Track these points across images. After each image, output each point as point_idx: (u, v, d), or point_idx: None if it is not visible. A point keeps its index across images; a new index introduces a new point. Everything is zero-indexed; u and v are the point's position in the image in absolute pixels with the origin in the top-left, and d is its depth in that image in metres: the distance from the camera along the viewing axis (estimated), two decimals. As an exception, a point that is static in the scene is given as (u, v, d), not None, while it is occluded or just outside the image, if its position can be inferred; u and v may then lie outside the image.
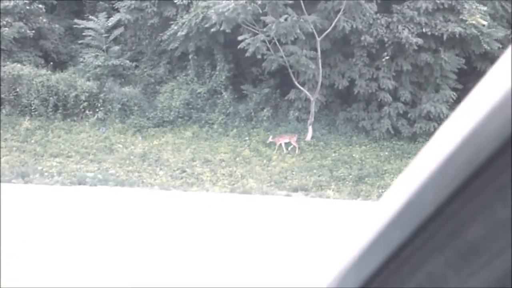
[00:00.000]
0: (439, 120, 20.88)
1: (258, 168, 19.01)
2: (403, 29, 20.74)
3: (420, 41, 20.60)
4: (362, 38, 21.00)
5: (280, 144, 20.01)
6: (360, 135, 21.34)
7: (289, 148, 19.94)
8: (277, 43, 20.61)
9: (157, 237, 13.73)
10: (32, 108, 20.72)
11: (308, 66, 20.60)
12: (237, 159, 19.48)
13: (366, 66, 21.47)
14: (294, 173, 18.71)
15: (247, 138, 20.68)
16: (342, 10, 20.24)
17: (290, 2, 20.36)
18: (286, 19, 20.08)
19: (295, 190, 17.91)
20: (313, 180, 18.29)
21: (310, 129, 20.78)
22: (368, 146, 20.88)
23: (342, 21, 20.48)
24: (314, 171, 18.82)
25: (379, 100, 21.43)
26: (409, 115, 21.47)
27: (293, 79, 21.12)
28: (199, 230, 14.30)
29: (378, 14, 21.26)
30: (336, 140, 20.84)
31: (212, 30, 20.93)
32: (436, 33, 20.93)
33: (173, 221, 14.81)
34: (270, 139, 20.20)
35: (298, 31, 20.34)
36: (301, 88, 21.11)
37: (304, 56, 20.71)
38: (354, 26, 20.76)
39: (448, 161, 0.87)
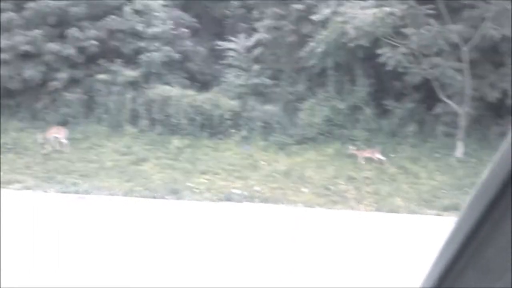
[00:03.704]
0: None
1: (405, 186, 18.38)
2: (563, 33, 19.12)
3: None
4: (515, 46, 19.66)
5: (363, 158, 19.57)
6: (518, 150, 19.82)
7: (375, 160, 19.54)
8: (419, 55, 19.90)
9: (303, 256, 13.70)
10: (181, 127, 21.76)
11: (454, 78, 19.67)
12: (382, 176, 18.98)
13: (520, 76, 20.04)
14: (444, 191, 17.84)
15: (392, 154, 20.11)
16: (489, 17, 19.09)
17: (432, 12, 19.57)
18: (428, 30, 19.31)
19: (446, 209, 17.03)
20: (465, 199, 17.27)
21: (459, 144, 19.75)
22: (527, 162, 19.34)
23: (491, 29, 19.30)
24: (466, 189, 17.78)
25: (537, 112, 19.91)
26: None
27: (439, 92, 20.23)
28: (346, 250, 14.07)
29: (532, 19, 19.79)
30: (489, 156, 19.42)
31: (351, 45, 20.67)
32: None
33: (319, 240, 14.70)
34: (352, 151, 19.79)
35: (442, 41, 19.50)
36: (448, 101, 20.16)
37: (449, 68, 19.79)
38: (506, 34, 19.48)
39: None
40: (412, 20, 19.83)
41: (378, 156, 19.54)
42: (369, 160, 19.52)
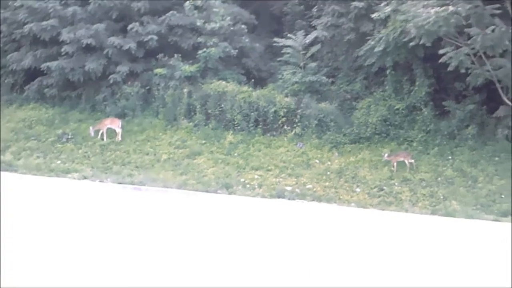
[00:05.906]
0: None
1: (462, 189, 17.82)
2: None
3: None
4: None
5: (399, 162, 19.18)
6: None
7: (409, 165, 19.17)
8: (483, 56, 19.21)
9: (354, 258, 13.47)
10: (235, 123, 21.85)
11: (519, 80, 18.88)
12: (439, 179, 18.46)
13: None
14: (503, 196, 17.19)
15: (449, 157, 19.52)
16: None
17: (498, 11, 18.83)
18: (493, 30, 18.58)
19: (505, 215, 16.42)
20: (525, 205, 16.62)
21: (522, 149, 18.99)
22: None
23: (560, 30, 18.42)
24: (527, 195, 17.10)
25: None
26: None
27: (502, 94, 19.51)
28: (397, 252, 13.76)
29: None
30: (553, 161, 18.73)
31: (411, 44, 20.16)
32: None
33: (371, 241, 14.43)
34: (385, 157, 19.42)
35: (507, 42, 18.71)
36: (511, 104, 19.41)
37: (514, 70, 19.01)
38: None
39: None
40: (477, 20, 19.12)
41: (411, 160, 19.14)
42: (401, 164, 19.11)
